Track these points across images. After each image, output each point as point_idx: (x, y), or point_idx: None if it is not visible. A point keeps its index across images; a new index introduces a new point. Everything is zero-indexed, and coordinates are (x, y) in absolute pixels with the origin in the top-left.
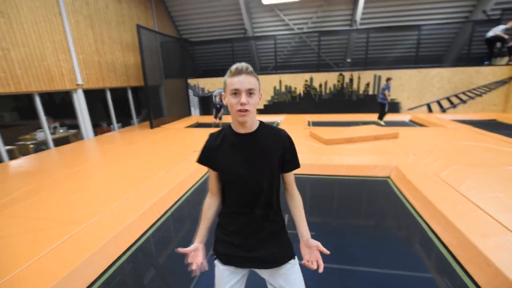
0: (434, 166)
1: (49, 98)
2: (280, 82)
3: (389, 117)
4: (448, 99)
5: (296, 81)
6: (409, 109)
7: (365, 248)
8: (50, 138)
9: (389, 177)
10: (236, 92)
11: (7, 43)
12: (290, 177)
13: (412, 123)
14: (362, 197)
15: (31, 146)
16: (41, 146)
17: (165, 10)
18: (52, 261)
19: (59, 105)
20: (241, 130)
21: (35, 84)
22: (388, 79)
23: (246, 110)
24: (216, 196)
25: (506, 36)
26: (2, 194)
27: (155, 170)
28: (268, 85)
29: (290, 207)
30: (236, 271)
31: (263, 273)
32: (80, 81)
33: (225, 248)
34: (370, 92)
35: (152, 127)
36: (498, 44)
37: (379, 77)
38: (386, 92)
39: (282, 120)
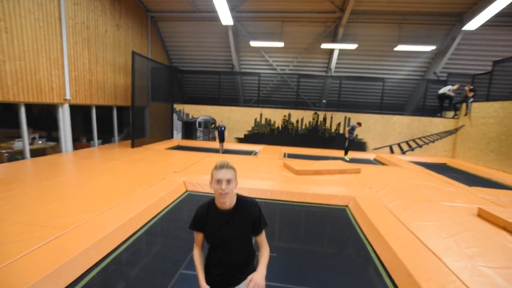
0: (385, 198)
1: (29, 109)
2: (261, 115)
3: (356, 154)
4: (407, 142)
5: (276, 116)
6: (374, 149)
7: (319, 268)
8: (27, 149)
9: (347, 206)
10: (219, 181)
11: (4, 56)
12: (261, 237)
13: (376, 162)
14: (323, 222)
15: (6, 154)
16: (15, 156)
17: (160, 40)
18: (32, 262)
19: (38, 117)
20: (222, 207)
21: (24, 95)
22: (358, 123)
23: (226, 194)
24: (200, 246)
25: (453, 94)
26: None
27: (134, 187)
28: (250, 116)
29: (259, 254)
30: None
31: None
32: (68, 96)
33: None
34: (341, 131)
35: (133, 146)
36: (447, 101)
37: (349, 119)
38: (347, 129)
39: (260, 150)
